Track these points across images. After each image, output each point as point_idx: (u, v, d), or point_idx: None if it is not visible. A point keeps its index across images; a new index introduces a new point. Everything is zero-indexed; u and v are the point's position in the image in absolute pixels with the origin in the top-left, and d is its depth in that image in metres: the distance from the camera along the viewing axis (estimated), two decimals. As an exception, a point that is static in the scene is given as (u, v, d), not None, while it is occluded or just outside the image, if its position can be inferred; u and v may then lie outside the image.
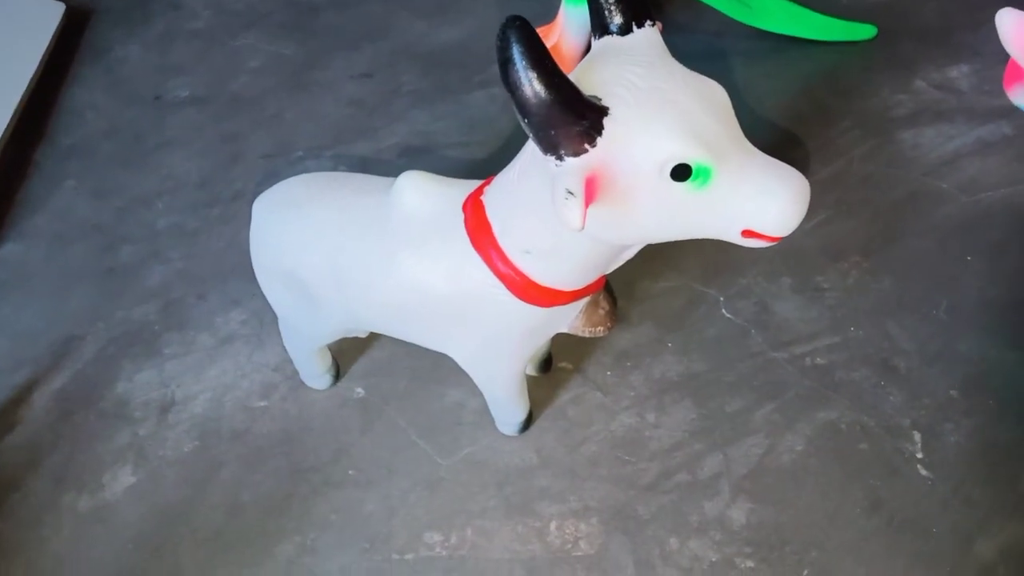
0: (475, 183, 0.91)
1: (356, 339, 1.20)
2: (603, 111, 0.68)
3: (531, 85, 0.66)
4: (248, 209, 1.49)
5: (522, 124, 0.70)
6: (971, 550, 0.98)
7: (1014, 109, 1.49)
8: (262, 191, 1.52)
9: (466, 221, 0.87)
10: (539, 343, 0.98)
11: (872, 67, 1.62)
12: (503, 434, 1.13)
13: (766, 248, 1.23)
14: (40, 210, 1.56)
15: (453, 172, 1.50)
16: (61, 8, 1.93)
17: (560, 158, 0.69)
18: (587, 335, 0.97)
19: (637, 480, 1.07)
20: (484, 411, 1.16)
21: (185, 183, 1.57)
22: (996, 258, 1.27)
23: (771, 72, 1.63)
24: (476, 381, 1.04)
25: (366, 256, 0.92)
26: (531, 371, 1.18)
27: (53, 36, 1.86)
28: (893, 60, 1.62)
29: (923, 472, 1.05)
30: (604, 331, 0.97)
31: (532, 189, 0.78)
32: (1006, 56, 1.66)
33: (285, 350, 1.27)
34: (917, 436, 1.08)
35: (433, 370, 1.20)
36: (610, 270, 0.89)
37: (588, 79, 0.70)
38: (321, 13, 1.95)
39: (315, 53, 1.83)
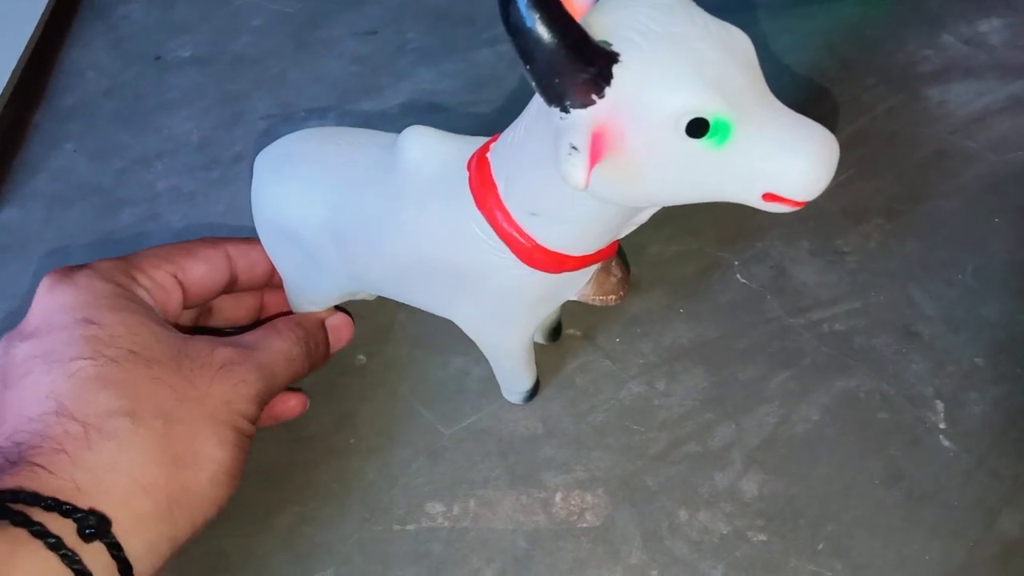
0: (482, 139, 0.84)
1: (358, 305, 1.16)
2: (613, 57, 0.60)
3: (534, 26, 0.56)
4: (248, 171, 1.46)
5: (524, 71, 0.61)
6: (995, 524, 0.94)
7: (1049, 63, 1.42)
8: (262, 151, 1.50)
9: (470, 179, 0.80)
10: (547, 311, 0.93)
11: (898, 21, 1.54)
12: (508, 402, 1.10)
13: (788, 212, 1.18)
14: (39, 173, 1.53)
15: (459, 131, 1.45)
16: (61, -33, 1.89)
17: (565, 110, 0.61)
18: (598, 303, 0.92)
19: (646, 450, 1.04)
20: (488, 378, 1.13)
21: (185, 144, 1.53)
22: (1026, 220, 1.21)
23: (793, 26, 1.56)
24: (481, 348, 1.00)
25: (366, 214, 0.87)
26: (539, 339, 1.14)
27: (52, -4, 1.82)
28: (920, 14, 1.54)
29: (945, 443, 1.00)
30: (616, 300, 0.92)
31: (537, 146, 0.71)
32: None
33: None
34: (940, 405, 1.03)
35: (436, 336, 1.16)
36: (622, 235, 0.82)
37: (597, 23, 0.62)
38: (325, -31, 1.89)
39: (319, 10, 1.78)
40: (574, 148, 0.61)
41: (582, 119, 0.61)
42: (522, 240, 0.79)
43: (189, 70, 1.72)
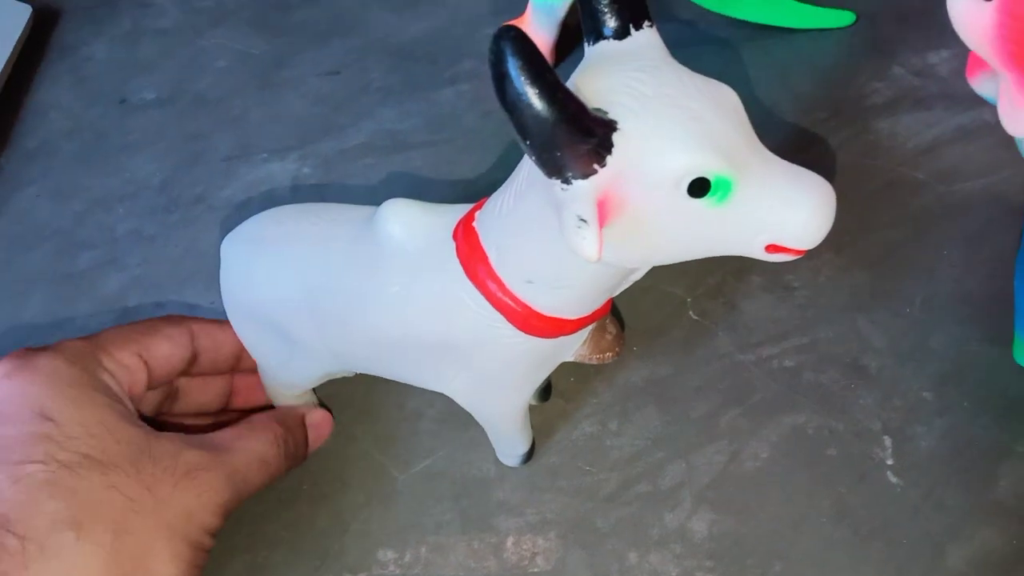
0: (464, 207, 0.83)
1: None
2: (612, 126, 0.60)
3: (532, 103, 0.56)
4: (208, 214, 1.47)
5: (522, 146, 0.61)
6: (941, 559, 0.94)
7: (995, 95, 1.44)
8: (223, 195, 1.50)
9: (458, 250, 0.79)
10: (544, 375, 0.92)
11: (850, 53, 1.57)
12: (462, 444, 1.10)
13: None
14: (2, 215, 1.53)
15: (421, 170, 1.47)
16: (28, 10, 1.90)
17: (567, 181, 0.61)
18: (595, 362, 0.91)
19: (597, 491, 1.04)
20: (443, 419, 1.13)
21: (146, 186, 1.54)
22: (974, 249, 1.22)
23: (747, 60, 1.58)
24: (477, 418, 0.98)
25: (348, 293, 0.85)
26: (530, 401, 1.13)
27: (19, 39, 1.83)
28: (871, 46, 1.57)
29: (892, 479, 1.01)
30: (612, 357, 0.91)
31: (531, 213, 0.70)
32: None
33: (243, 359, 1.25)
34: (887, 440, 1.04)
35: (392, 380, 1.16)
36: (617, 292, 0.82)
37: (587, 88, 0.62)
38: (291, 9, 1.90)
39: (283, 51, 1.79)
40: (583, 221, 0.61)
41: (585, 189, 0.61)
42: (517, 308, 0.78)
43: (152, 111, 1.72)
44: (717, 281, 1.24)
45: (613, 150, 0.61)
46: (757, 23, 1.62)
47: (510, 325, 0.80)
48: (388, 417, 1.16)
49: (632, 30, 0.66)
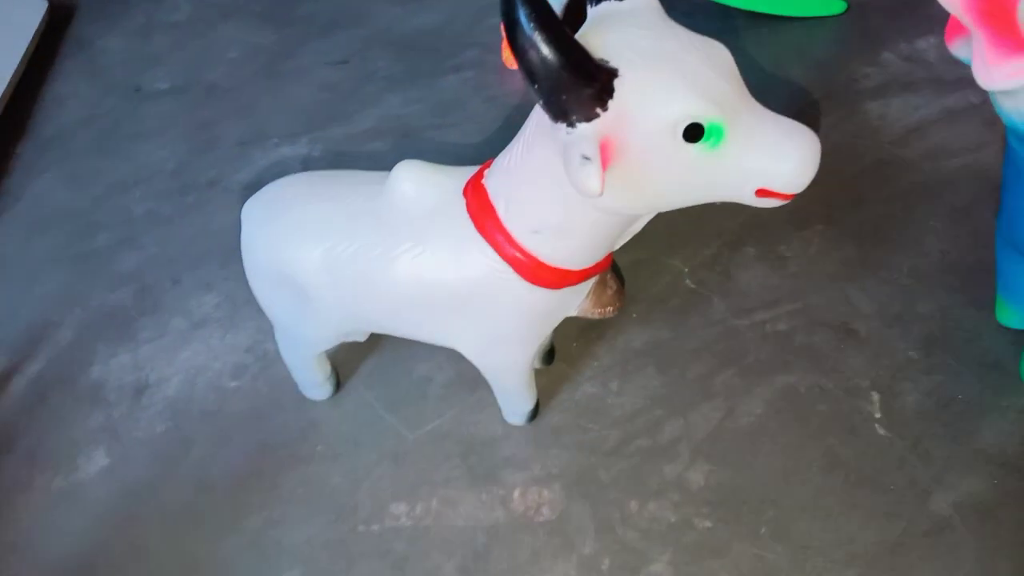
0: (472, 169, 0.90)
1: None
2: (613, 73, 0.67)
3: (539, 48, 0.64)
4: (222, 196, 1.52)
5: (530, 90, 0.68)
6: (926, 504, 0.99)
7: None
8: (237, 178, 1.56)
9: (468, 206, 0.86)
10: (549, 328, 0.97)
11: (841, 40, 1.63)
12: (469, 406, 1.15)
13: (731, 219, 1.24)
14: (20, 199, 1.58)
15: (427, 153, 1.52)
16: (44, 6, 1.96)
17: (571, 124, 0.68)
18: (597, 316, 0.96)
19: (599, 446, 1.09)
20: (451, 384, 1.18)
21: (161, 171, 1.59)
22: (959, 221, 1.28)
23: (742, 48, 1.63)
24: (485, 373, 1.03)
25: (364, 251, 0.91)
26: (535, 363, 1.17)
27: (35, 34, 1.89)
28: (862, 33, 1.63)
29: (881, 431, 1.06)
30: (614, 311, 0.96)
31: (539, 163, 0.78)
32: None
33: (257, 332, 1.29)
34: (875, 396, 1.09)
35: (401, 346, 1.21)
36: (617, 246, 0.88)
37: (592, 43, 0.69)
38: (298, 2, 1.97)
39: (291, 42, 1.85)
40: (586, 158, 0.67)
41: (589, 131, 0.68)
42: (524, 259, 0.84)
43: (165, 99, 1.77)
44: (713, 252, 1.29)
45: (614, 95, 0.67)
46: (752, 11, 1.68)
47: (518, 276, 0.86)
48: (398, 382, 1.20)
49: None
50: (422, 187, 0.89)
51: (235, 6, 1.98)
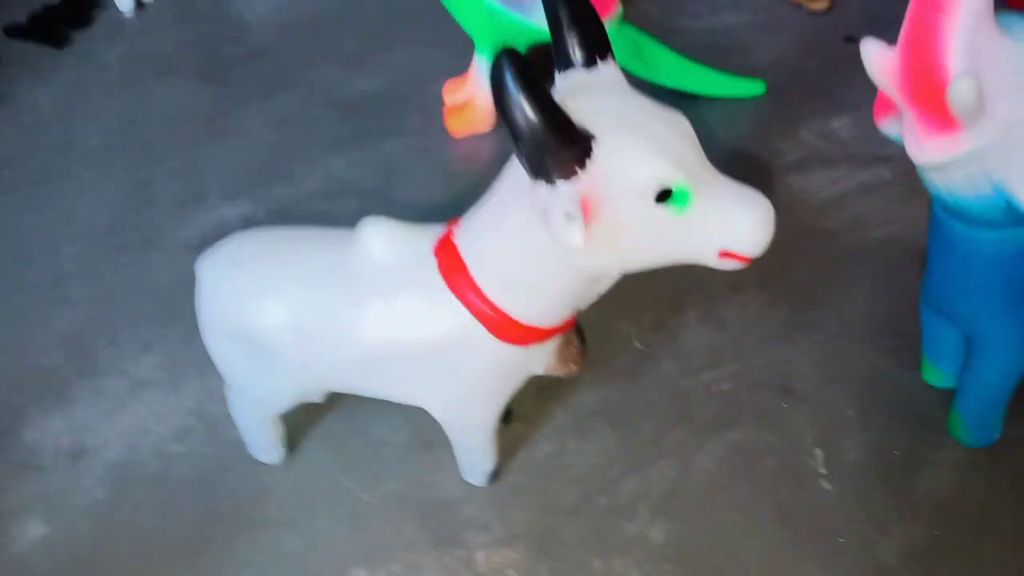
0: (438, 226, 0.93)
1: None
2: (591, 137, 0.73)
3: (525, 110, 0.70)
4: (160, 255, 1.49)
5: (515, 149, 0.74)
6: (874, 554, 1.04)
7: (892, 156, 1.63)
8: (176, 237, 1.52)
9: (439, 264, 0.88)
10: (515, 386, 0.99)
11: (762, 120, 1.74)
12: (427, 467, 1.15)
13: (673, 285, 1.30)
14: (-62, 257, 1.50)
15: (374, 214, 1.52)
16: (-38, 56, 1.89)
17: (551, 182, 0.73)
18: (562, 374, 1.00)
19: (560, 505, 1.10)
20: (408, 445, 1.18)
21: (94, 227, 1.54)
22: (880, 286, 1.38)
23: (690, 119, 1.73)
24: (449, 431, 1.04)
25: (332, 310, 0.91)
26: None
27: (-47, 84, 1.82)
28: (780, 113, 1.75)
29: (826, 485, 1.11)
30: (577, 370, 1.00)
31: (512, 222, 0.82)
32: (880, 106, 1.79)
33: (201, 393, 1.26)
34: (818, 452, 1.15)
35: (355, 406, 1.20)
36: (584, 305, 0.92)
37: (569, 107, 0.74)
38: (237, 64, 1.96)
39: (230, 102, 1.84)
40: (569, 215, 0.72)
41: (569, 189, 0.73)
42: (495, 316, 0.87)
43: (98, 155, 1.72)
44: (658, 315, 1.34)
45: (592, 156, 0.73)
46: (680, 90, 1.78)
47: (488, 333, 0.88)
48: (353, 444, 1.19)
49: (598, 61, 0.79)
50: (390, 244, 0.92)
51: (169, 66, 1.96)
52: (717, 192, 0.76)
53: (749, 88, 1.79)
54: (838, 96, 1.77)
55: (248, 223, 1.54)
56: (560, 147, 0.71)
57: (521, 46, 1.60)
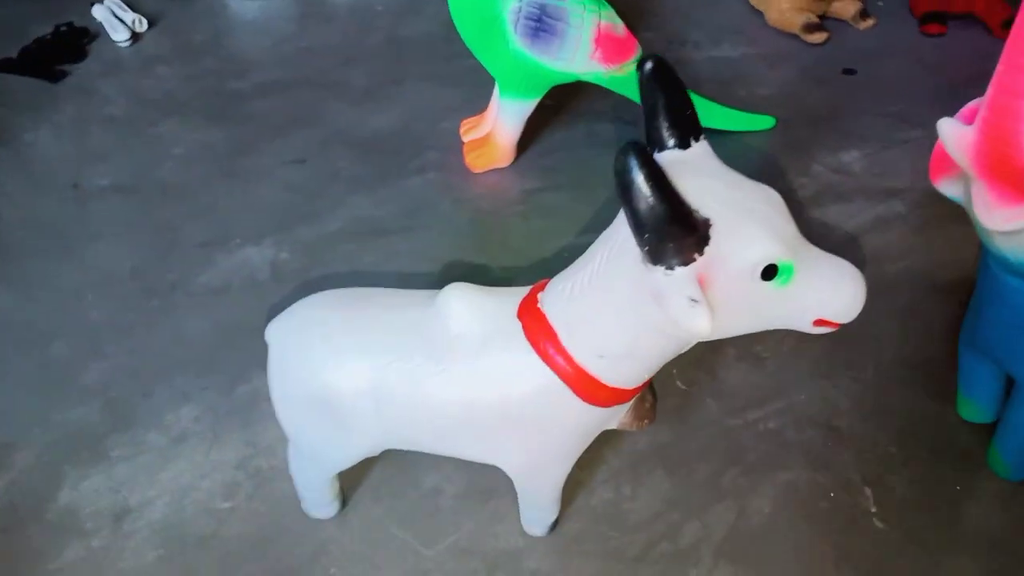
0: (521, 290, 0.94)
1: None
2: (708, 223, 0.75)
3: (653, 204, 0.72)
4: (187, 300, 1.47)
5: (637, 239, 0.76)
6: (930, 592, 1.07)
7: (904, 188, 1.69)
8: (201, 281, 1.50)
9: (526, 330, 0.90)
10: (589, 442, 1.00)
11: (774, 153, 1.78)
12: (486, 517, 1.14)
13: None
14: (-48, 309, 1.45)
15: (402, 256, 1.53)
16: (-43, 94, 1.84)
17: (671, 267, 0.75)
18: (635, 429, 1.02)
19: (624, 553, 1.11)
20: (463, 496, 1.17)
21: (116, 274, 1.51)
22: (906, 320, 1.41)
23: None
24: (522, 488, 1.04)
25: (415, 374, 0.91)
26: None
27: (-50, 123, 1.77)
28: (792, 147, 1.79)
29: (879, 524, 1.14)
30: (648, 423, 1.02)
31: (612, 296, 0.83)
32: (890, 142, 1.85)
33: (245, 446, 1.23)
34: (868, 491, 1.17)
35: (406, 456, 1.19)
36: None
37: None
38: (244, 101, 1.94)
39: (243, 140, 1.82)
40: (694, 300, 0.74)
41: (688, 275, 0.75)
42: (585, 381, 0.88)
43: (111, 198, 1.68)
44: (697, 353, 1.35)
45: (710, 241, 0.74)
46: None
47: (575, 396, 0.89)
48: (406, 495, 1.18)
49: (692, 142, 0.81)
50: (474, 310, 0.92)
51: (175, 103, 1.93)
52: (815, 265, 0.79)
53: (761, 123, 1.83)
54: (845, 128, 1.82)
55: (274, 266, 1.52)
56: (683, 236, 0.74)
57: (544, 88, 1.62)
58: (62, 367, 1.35)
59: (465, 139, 1.76)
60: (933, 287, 1.47)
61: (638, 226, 0.74)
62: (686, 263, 0.75)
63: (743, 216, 0.76)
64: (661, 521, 1.14)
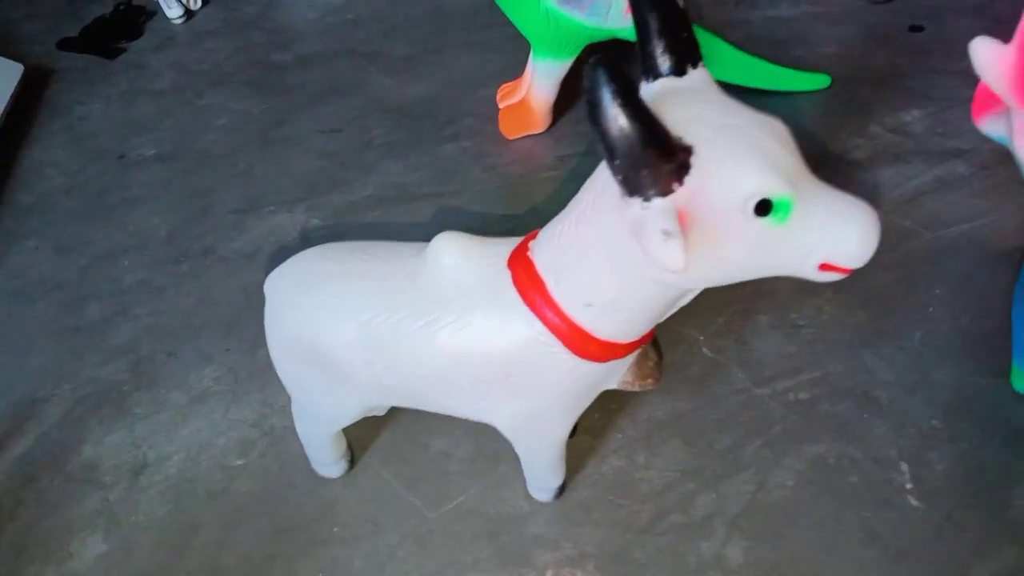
0: (513, 240, 0.89)
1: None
2: (690, 149, 0.67)
3: (623, 125, 0.64)
4: (219, 265, 1.48)
5: (609, 165, 0.68)
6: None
7: (968, 149, 1.56)
8: (233, 246, 1.51)
9: (515, 279, 0.85)
10: (589, 402, 0.95)
11: (829, 114, 1.68)
12: (492, 481, 1.11)
13: (740, 287, 1.25)
14: (0, 270, 1.51)
15: (432, 223, 1.50)
16: (19, 68, 1.92)
17: (648, 199, 0.68)
18: (637, 389, 0.95)
19: (632, 523, 1.06)
20: (471, 459, 1.14)
21: (152, 239, 1.54)
22: (962, 288, 1.30)
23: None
24: (519, 447, 1.00)
25: (406, 324, 0.88)
26: None
27: (11, 96, 1.84)
28: (849, 107, 1.68)
29: (914, 502, 1.05)
30: (653, 383, 0.95)
31: (596, 238, 0.77)
32: (955, 101, 1.72)
33: (262, 405, 1.24)
34: (904, 467, 1.09)
35: (416, 419, 1.17)
36: (663, 319, 0.87)
37: (663, 119, 0.68)
38: (287, 72, 1.96)
39: (283, 110, 1.83)
40: (667, 233, 0.67)
41: (666, 206, 0.67)
42: (574, 332, 0.82)
43: (152, 166, 1.73)
44: (727, 320, 1.29)
45: (691, 171, 0.67)
46: (740, 85, 1.72)
47: (566, 349, 0.84)
48: (415, 458, 1.16)
49: (689, 68, 0.74)
50: (464, 259, 0.88)
51: (221, 75, 1.96)
52: (819, 201, 0.70)
53: (814, 82, 1.72)
54: (908, 88, 1.69)
55: (304, 232, 1.53)
56: (659, 163, 0.66)
57: (577, 48, 1.56)
58: (95, 327, 1.39)
59: (501, 105, 1.72)
60: (994, 254, 1.35)
61: (609, 151, 0.66)
62: (664, 194, 0.67)
63: (734, 144, 0.68)
64: (674, 491, 1.08)
